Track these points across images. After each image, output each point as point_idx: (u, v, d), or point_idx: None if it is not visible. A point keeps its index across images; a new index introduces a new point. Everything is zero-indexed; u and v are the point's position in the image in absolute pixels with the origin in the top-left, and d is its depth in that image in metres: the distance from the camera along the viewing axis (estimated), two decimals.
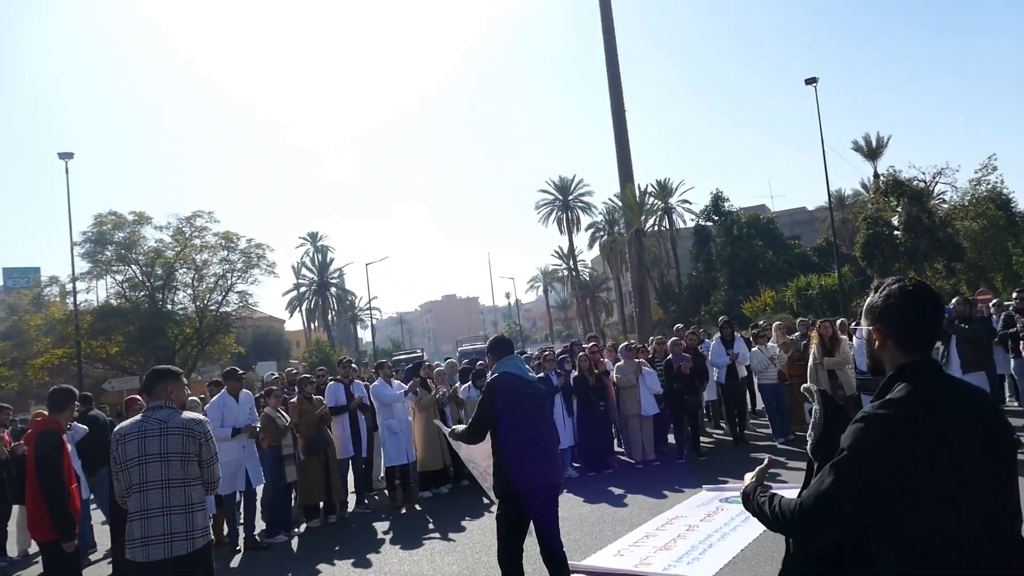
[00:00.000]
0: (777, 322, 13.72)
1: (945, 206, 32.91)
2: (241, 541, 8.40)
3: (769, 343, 11.66)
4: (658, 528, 7.04)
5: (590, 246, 68.54)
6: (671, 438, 11.20)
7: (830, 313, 26.48)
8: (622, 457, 11.16)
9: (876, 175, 41.66)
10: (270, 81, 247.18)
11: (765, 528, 6.51)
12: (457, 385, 10.97)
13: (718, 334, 11.75)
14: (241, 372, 9.06)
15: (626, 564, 6.04)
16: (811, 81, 30.29)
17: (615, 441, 11.46)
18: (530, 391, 4.89)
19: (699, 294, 48.25)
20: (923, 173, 32.96)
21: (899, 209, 32.57)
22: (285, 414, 8.95)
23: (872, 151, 45.54)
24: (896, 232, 32.49)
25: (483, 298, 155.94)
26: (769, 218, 50.50)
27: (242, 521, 8.65)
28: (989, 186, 32.14)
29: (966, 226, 31.11)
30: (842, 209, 46.29)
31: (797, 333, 12.00)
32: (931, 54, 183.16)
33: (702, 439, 11.42)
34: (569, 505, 8.61)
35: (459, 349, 34.55)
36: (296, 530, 8.93)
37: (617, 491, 9.07)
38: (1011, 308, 9.39)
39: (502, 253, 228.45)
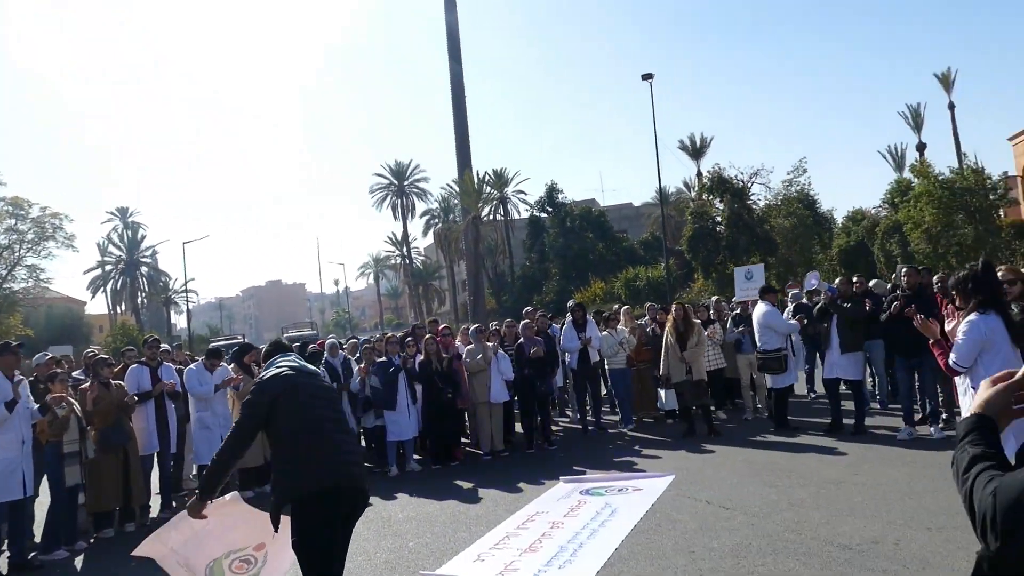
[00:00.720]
0: (625, 307, 13.54)
1: (757, 208, 34.98)
2: (5, 562, 6.77)
3: (619, 327, 11.39)
4: (519, 526, 6.32)
5: (424, 233, 67.92)
6: (518, 427, 10.63)
7: (657, 304, 27.31)
8: (467, 448, 10.44)
9: (699, 173, 43.87)
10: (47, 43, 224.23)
11: (636, 524, 5.75)
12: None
13: (569, 317, 11.26)
14: (17, 344, 7.25)
15: (489, 571, 5.25)
16: (647, 77, 30.94)
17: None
18: (313, 381, 4.15)
19: (532, 284, 48.83)
20: (741, 173, 34.88)
21: (722, 206, 34.27)
22: (74, 401, 7.40)
23: (696, 150, 48.04)
24: (719, 228, 34.15)
25: (310, 285, 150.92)
26: (600, 211, 52.01)
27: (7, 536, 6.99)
28: (799, 187, 34.61)
29: (779, 223, 33.29)
30: (666, 205, 48.39)
31: (646, 317, 11.79)
32: (753, 59, 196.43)
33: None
34: (415, 504, 7.74)
35: (284, 336, 32.53)
36: (82, 543, 7.39)
37: (467, 485, 8.30)
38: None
39: (332, 239, 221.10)
